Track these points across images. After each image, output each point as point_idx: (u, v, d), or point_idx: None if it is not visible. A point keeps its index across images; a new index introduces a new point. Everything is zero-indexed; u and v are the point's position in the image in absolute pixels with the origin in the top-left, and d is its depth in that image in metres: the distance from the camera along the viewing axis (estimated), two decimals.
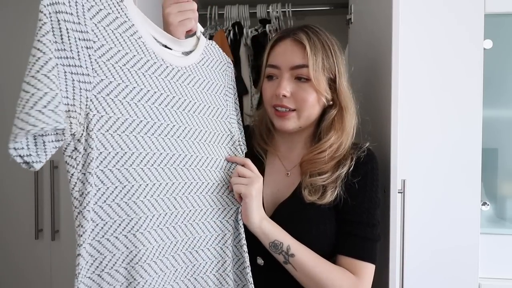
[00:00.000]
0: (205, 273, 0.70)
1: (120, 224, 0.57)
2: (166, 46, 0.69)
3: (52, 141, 0.50)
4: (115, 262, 0.56)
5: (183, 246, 0.67)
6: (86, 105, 0.52)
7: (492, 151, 1.21)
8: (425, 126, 1.14)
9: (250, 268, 0.73)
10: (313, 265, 0.70)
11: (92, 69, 0.53)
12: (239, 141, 0.80)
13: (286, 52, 0.75)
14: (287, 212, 0.76)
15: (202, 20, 1.55)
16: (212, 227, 0.71)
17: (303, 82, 0.74)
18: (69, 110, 0.50)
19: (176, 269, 0.66)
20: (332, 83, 0.77)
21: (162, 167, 0.63)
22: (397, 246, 0.83)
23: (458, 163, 1.12)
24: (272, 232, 0.70)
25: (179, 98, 0.67)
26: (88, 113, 0.52)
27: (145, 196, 0.59)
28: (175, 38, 0.70)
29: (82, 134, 0.52)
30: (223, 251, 0.72)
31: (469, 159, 1.12)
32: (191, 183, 0.68)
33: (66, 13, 0.50)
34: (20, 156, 0.47)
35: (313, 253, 0.71)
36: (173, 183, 0.65)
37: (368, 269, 0.72)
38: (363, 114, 0.87)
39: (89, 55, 0.53)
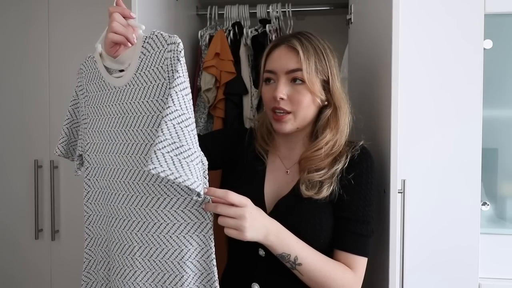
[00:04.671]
0: (163, 283, 0.71)
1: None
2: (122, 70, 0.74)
3: None
4: None
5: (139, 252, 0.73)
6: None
7: (492, 151, 1.21)
8: (425, 126, 1.14)
9: (218, 282, 0.71)
10: (319, 269, 0.74)
11: (87, 112, 0.80)
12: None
13: (281, 58, 0.81)
14: (286, 207, 0.80)
15: (202, 20, 1.56)
16: (162, 241, 0.70)
17: (298, 84, 0.79)
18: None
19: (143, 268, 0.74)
20: (326, 85, 0.82)
21: (116, 180, 0.74)
22: (397, 246, 0.83)
23: (458, 163, 1.12)
24: (278, 246, 0.73)
25: (122, 117, 0.71)
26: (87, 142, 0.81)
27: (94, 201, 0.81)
28: (113, 58, 0.72)
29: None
30: (180, 265, 0.70)
31: (469, 159, 1.12)
32: (135, 195, 0.71)
33: (79, 86, 0.82)
34: None
35: (318, 257, 0.75)
36: (124, 194, 0.73)
37: (362, 263, 0.78)
38: (360, 113, 0.87)
39: (85, 102, 0.81)
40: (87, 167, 0.80)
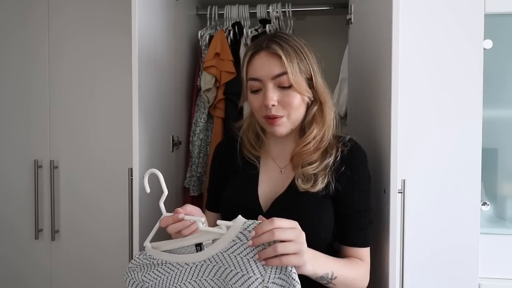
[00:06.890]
0: None
1: None
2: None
3: None
4: None
5: None
6: None
7: (492, 151, 1.21)
8: (425, 126, 1.14)
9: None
10: (348, 274, 0.76)
11: None
12: None
13: (263, 64, 0.80)
14: (283, 203, 0.81)
15: (202, 20, 1.56)
16: None
17: (286, 88, 0.80)
18: None
19: None
20: (310, 82, 0.83)
21: None
22: (397, 246, 0.84)
23: (458, 163, 1.12)
24: (321, 269, 0.72)
25: None
26: None
27: None
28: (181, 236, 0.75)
29: None
30: None
31: (469, 159, 1.12)
32: None
33: (133, 283, 0.79)
34: None
35: (341, 263, 0.78)
36: None
37: (368, 252, 0.83)
38: (362, 115, 0.87)
39: None
40: None
